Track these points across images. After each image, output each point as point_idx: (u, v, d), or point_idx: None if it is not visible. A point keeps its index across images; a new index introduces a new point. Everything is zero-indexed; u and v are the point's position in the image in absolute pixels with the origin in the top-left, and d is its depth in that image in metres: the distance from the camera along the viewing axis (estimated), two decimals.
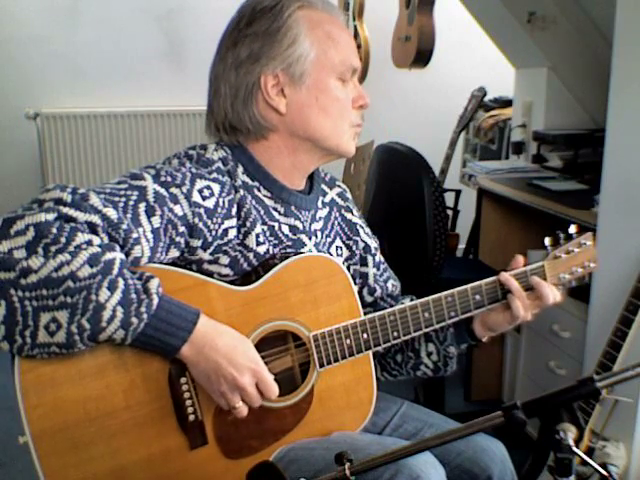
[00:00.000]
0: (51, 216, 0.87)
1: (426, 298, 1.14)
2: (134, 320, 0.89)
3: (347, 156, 1.18)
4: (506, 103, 3.20)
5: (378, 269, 1.29)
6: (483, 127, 3.17)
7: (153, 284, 0.92)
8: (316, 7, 1.10)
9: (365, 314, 1.13)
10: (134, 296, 0.89)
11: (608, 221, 1.69)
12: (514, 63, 2.95)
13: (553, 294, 1.16)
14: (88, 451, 0.95)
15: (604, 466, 0.79)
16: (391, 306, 1.28)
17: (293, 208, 1.15)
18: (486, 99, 3.12)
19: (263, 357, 1.02)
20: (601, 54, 2.51)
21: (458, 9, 3.03)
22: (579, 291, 1.32)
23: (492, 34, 2.91)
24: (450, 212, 2.99)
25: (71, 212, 0.89)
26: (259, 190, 1.11)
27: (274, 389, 1.00)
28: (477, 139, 3.23)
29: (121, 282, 0.88)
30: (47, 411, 0.92)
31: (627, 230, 1.63)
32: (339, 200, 1.27)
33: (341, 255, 1.24)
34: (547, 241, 1.22)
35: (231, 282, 1.05)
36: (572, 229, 1.23)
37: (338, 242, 1.24)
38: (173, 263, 1.03)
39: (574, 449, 0.72)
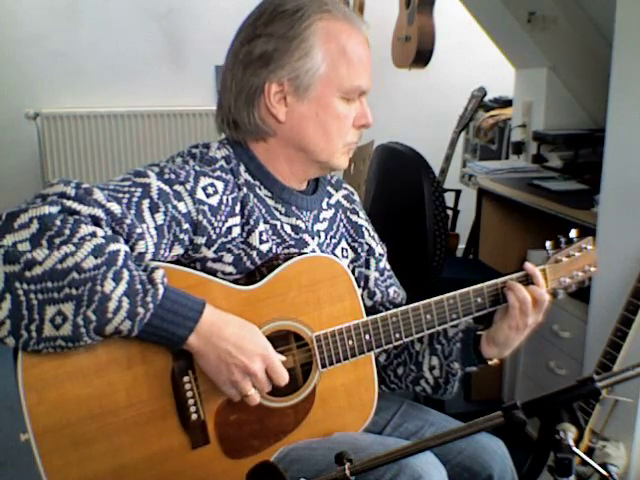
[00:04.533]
0: (54, 209, 0.87)
1: (428, 300, 1.14)
2: (140, 310, 0.89)
3: (339, 170, 1.18)
4: (506, 103, 3.20)
5: (381, 275, 1.28)
6: (483, 127, 3.17)
7: (158, 274, 0.92)
8: (338, 18, 1.08)
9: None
10: (139, 286, 0.89)
11: (608, 221, 1.70)
12: (514, 63, 2.95)
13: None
14: (90, 449, 0.96)
15: (604, 466, 0.79)
16: None
17: (294, 208, 1.15)
18: (486, 99, 3.13)
19: None
20: (601, 54, 2.51)
21: (458, 9, 3.03)
22: (579, 291, 1.32)
23: (492, 34, 2.91)
24: (450, 212, 3.00)
25: (74, 205, 0.89)
26: (260, 189, 1.12)
27: (284, 375, 1.00)
28: (477, 139, 3.23)
29: (126, 273, 0.88)
30: (49, 408, 0.93)
31: (627, 230, 1.63)
32: (345, 202, 1.27)
33: (347, 257, 1.24)
34: (548, 245, 1.22)
35: (235, 281, 1.06)
36: (573, 233, 1.24)
37: (344, 244, 1.24)
38: (177, 261, 1.03)
39: (574, 449, 0.72)
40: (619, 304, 1.61)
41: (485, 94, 3.05)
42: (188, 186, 1.01)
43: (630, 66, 1.61)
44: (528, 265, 1.16)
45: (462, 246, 3.22)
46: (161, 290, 0.91)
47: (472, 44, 3.64)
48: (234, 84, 1.09)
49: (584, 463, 0.78)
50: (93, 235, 0.88)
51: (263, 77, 1.06)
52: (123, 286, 0.88)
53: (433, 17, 3.29)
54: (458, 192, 3.14)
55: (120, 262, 0.88)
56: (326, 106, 1.08)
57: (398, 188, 2.05)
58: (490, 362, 1.18)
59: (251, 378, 0.98)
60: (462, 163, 3.37)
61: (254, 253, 1.07)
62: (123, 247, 0.90)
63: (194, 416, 1.01)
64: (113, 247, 0.88)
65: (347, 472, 0.74)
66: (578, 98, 2.71)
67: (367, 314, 1.21)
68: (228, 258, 1.06)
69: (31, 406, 0.92)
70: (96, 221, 0.90)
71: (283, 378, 1.00)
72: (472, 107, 3.04)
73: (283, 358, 1.02)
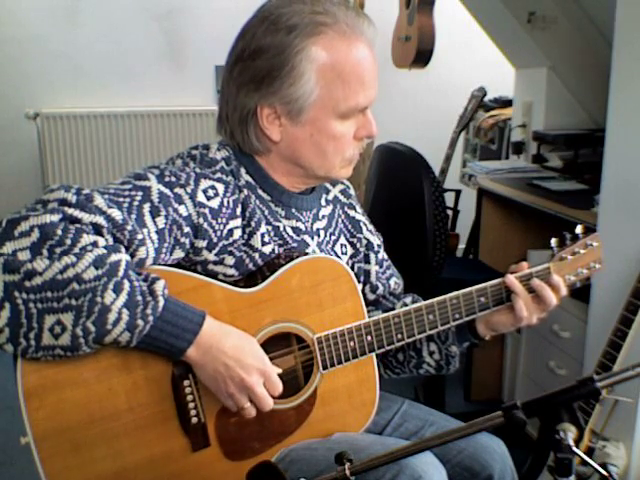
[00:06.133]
0: (56, 217, 0.87)
1: (430, 300, 1.14)
2: (140, 322, 0.89)
3: (340, 180, 1.17)
4: (506, 103, 3.20)
5: (381, 267, 1.29)
6: (483, 127, 3.17)
7: (159, 286, 0.92)
8: (334, 37, 1.02)
9: (368, 312, 1.13)
10: (140, 298, 0.89)
11: (608, 221, 1.70)
12: (514, 63, 2.95)
13: (558, 296, 1.17)
14: (90, 453, 0.96)
15: (604, 466, 0.79)
16: (393, 304, 1.29)
17: (294, 210, 1.15)
18: (486, 99, 3.12)
19: None
20: (601, 54, 2.50)
21: (458, 9, 3.03)
22: (579, 291, 1.31)
23: (492, 34, 2.91)
24: (450, 212, 3.00)
25: (76, 213, 0.88)
26: (260, 191, 1.11)
27: (279, 387, 1.00)
28: (477, 139, 3.23)
29: (127, 284, 0.88)
30: (49, 413, 0.92)
31: (627, 230, 1.63)
32: (342, 197, 1.27)
33: (345, 253, 1.24)
34: (553, 242, 1.20)
35: (235, 282, 1.06)
36: (578, 229, 1.21)
37: (342, 240, 1.24)
38: (178, 264, 1.03)
39: (574, 449, 0.72)
40: (619, 304, 1.61)
41: (485, 94, 3.05)
42: (189, 189, 1.01)
43: (630, 66, 1.61)
44: (508, 277, 1.16)
45: (462, 246, 3.22)
46: (161, 302, 0.91)
47: (472, 44, 3.64)
48: (230, 99, 1.08)
49: (584, 463, 0.78)
50: (94, 245, 0.87)
51: (255, 100, 1.04)
52: (123, 297, 0.87)
53: (433, 17, 3.29)
54: (458, 192, 3.14)
55: (121, 273, 0.88)
56: (321, 128, 1.06)
57: (398, 188, 2.05)
58: (486, 338, 1.22)
59: (248, 391, 0.98)
60: (462, 163, 3.37)
61: (256, 255, 1.07)
62: (124, 257, 0.89)
63: (194, 419, 1.01)
64: (114, 257, 0.88)
65: (347, 472, 0.74)
66: (578, 98, 2.71)
67: (370, 307, 1.21)
68: (230, 261, 1.06)
69: (31, 411, 0.91)
70: (97, 229, 0.89)
71: (278, 390, 1.01)
72: (472, 107, 3.04)
73: (279, 370, 1.02)
